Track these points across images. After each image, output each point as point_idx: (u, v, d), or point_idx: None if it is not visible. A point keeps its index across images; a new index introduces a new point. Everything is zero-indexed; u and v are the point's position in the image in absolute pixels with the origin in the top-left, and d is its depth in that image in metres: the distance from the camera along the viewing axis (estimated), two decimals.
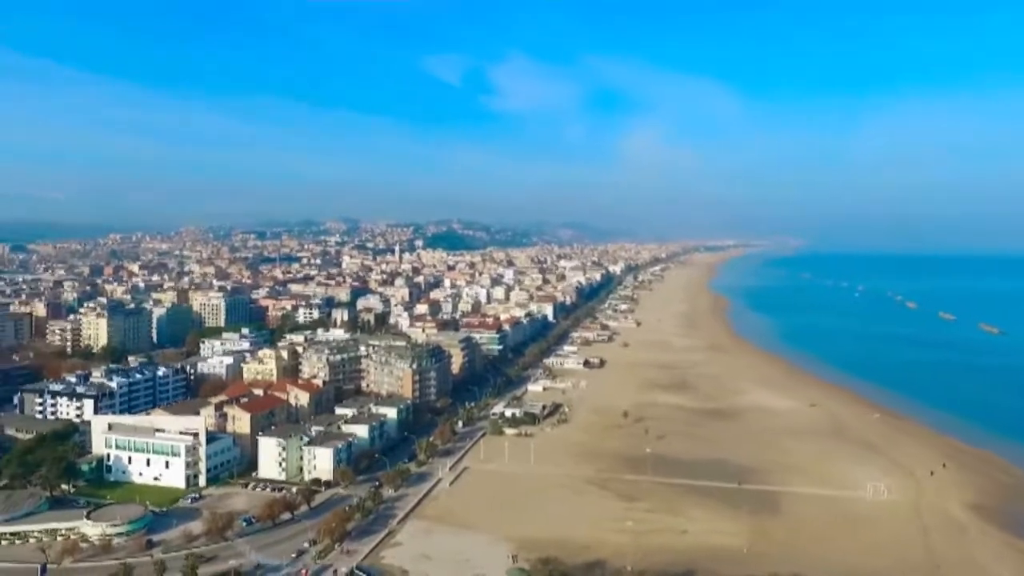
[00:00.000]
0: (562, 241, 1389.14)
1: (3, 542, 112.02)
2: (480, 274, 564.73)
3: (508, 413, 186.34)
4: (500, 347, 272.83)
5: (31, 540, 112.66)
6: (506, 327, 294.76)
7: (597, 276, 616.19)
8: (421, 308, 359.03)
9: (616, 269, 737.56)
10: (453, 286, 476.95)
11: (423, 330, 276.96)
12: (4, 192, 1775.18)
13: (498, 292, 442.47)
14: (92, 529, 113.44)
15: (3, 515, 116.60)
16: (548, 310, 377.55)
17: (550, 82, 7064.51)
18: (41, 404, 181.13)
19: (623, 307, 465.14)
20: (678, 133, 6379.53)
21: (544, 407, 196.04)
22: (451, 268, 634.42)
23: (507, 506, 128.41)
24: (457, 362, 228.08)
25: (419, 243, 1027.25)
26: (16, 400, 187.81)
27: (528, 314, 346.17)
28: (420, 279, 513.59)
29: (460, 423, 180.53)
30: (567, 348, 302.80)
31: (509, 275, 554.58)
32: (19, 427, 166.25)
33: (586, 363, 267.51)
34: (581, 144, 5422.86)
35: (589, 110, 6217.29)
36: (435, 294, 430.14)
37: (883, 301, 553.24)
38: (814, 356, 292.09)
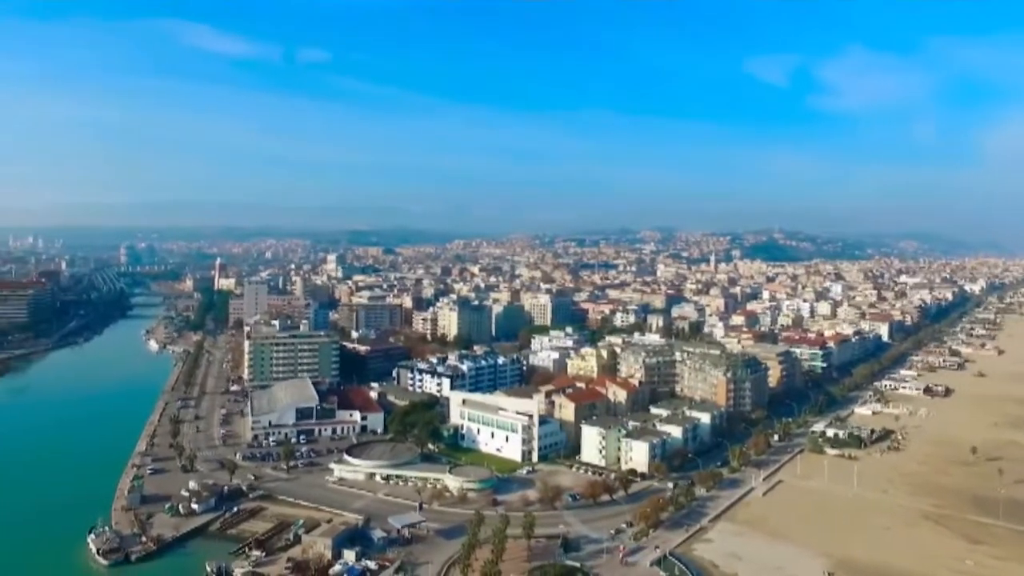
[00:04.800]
0: (904, 254, 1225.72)
1: (390, 481, 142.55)
2: (803, 287, 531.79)
3: (830, 432, 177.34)
4: (823, 364, 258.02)
5: (408, 483, 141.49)
6: (831, 344, 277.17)
7: (948, 295, 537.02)
8: (737, 319, 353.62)
9: (974, 288, 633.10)
10: (772, 299, 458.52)
11: (738, 341, 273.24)
12: (381, 206, 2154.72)
13: (823, 307, 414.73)
14: (453, 482, 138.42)
15: (391, 461, 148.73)
16: (883, 329, 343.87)
17: (893, 75, 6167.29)
18: (411, 379, 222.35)
19: (980, 332, 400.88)
20: None
21: (872, 431, 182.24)
22: (770, 280, 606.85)
23: (824, 523, 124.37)
24: (775, 375, 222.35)
25: (736, 253, 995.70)
26: (394, 374, 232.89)
27: (858, 332, 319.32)
28: (736, 290, 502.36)
29: (776, 436, 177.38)
30: (904, 372, 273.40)
31: (837, 290, 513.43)
32: (396, 395, 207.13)
33: (927, 390, 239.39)
34: (930, 143, 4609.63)
35: (942, 102, 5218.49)
36: (752, 306, 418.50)
37: None
38: None
